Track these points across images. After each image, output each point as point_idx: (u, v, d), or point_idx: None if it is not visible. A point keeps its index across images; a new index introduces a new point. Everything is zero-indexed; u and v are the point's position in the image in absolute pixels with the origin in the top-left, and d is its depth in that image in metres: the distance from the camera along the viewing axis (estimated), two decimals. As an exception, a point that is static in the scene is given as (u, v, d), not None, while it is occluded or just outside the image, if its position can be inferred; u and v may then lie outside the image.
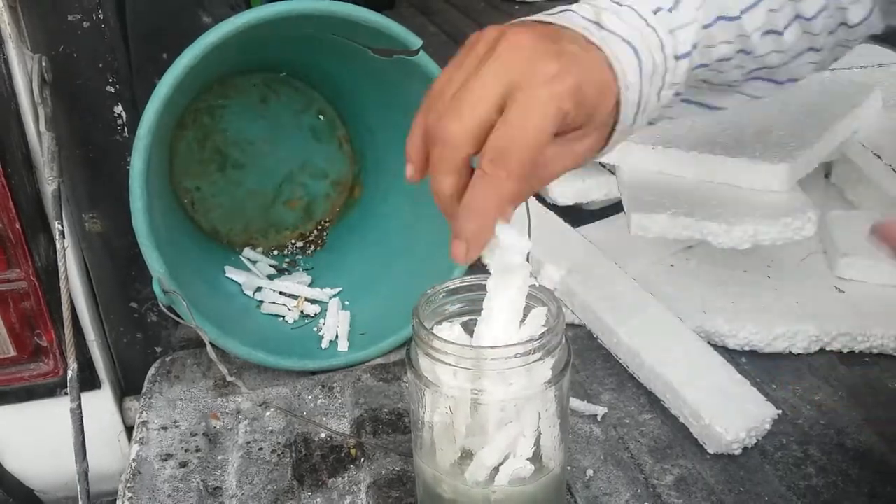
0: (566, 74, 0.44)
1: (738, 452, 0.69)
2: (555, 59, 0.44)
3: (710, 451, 0.69)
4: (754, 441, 0.70)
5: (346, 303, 0.92)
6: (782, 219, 0.78)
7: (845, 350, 0.81)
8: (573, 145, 0.48)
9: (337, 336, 0.86)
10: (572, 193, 1.02)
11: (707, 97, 0.62)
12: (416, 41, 0.77)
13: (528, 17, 0.50)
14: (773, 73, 0.61)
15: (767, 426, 0.71)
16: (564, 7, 0.50)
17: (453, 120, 0.45)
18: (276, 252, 1.00)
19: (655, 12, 0.51)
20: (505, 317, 0.52)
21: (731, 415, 0.69)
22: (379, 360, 0.84)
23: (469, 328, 0.54)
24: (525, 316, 0.53)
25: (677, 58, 0.52)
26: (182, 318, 0.74)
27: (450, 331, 0.54)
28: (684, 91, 0.58)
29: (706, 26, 0.54)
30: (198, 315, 0.75)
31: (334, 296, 0.92)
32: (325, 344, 0.85)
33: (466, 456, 0.53)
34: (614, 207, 1.01)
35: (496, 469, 0.53)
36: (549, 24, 0.48)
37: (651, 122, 0.56)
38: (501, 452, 0.53)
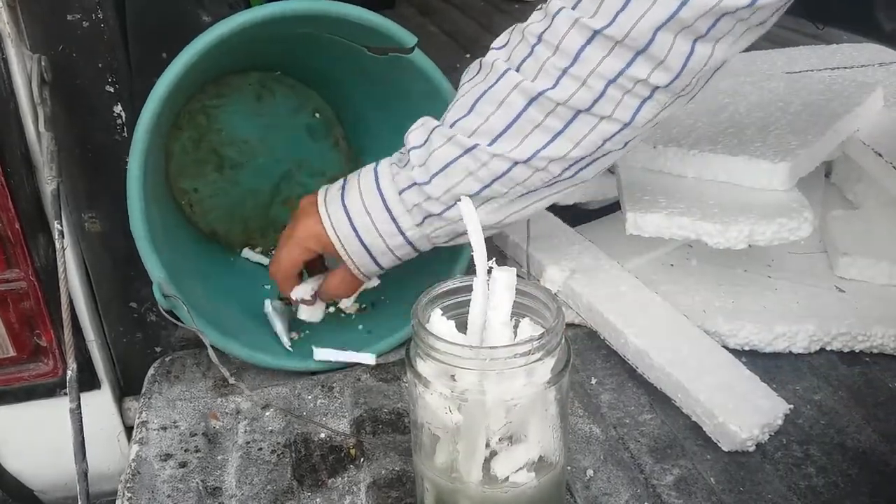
0: (307, 229, 0.75)
1: (751, 449, 0.69)
2: (303, 220, 0.75)
3: (725, 448, 0.69)
4: (767, 437, 0.70)
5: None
6: (778, 219, 0.78)
7: (845, 349, 0.81)
8: (329, 279, 0.79)
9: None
10: (573, 193, 1.02)
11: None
12: (411, 39, 0.77)
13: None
14: (589, 159, 0.68)
15: (780, 422, 0.71)
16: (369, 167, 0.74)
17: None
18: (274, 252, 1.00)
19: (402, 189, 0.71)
20: (494, 315, 0.53)
21: (744, 412, 0.69)
22: (378, 360, 0.84)
23: (461, 321, 0.55)
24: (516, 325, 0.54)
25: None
26: (182, 322, 0.74)
27: (440, 322, 0.54)
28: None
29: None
30: (198, 318, 0.75)
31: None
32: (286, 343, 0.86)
33: (466, 456, 0.53)
34: (613, 207, 1.01)
35: (496, 469, 0.53)
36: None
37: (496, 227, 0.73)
38: (510, 459, 0.53)
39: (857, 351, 0.80)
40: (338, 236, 0.73)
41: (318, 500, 0.67)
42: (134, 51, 0.78)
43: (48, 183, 0.73)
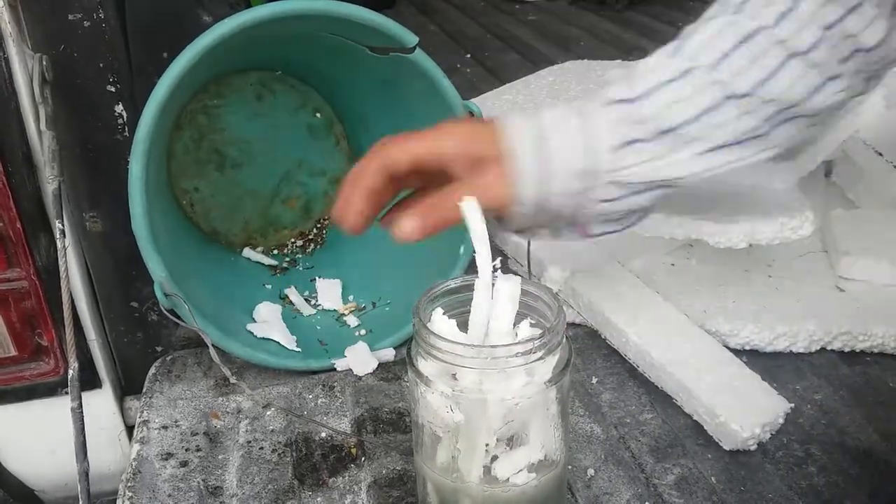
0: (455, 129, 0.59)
1: (753, 448, 0.69)
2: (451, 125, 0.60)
3: (726, 447, 0.69)
4: (769, 436, 0.70)
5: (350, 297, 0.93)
6: (779, 218, 0.78)
7: (846, 349, 0.81)
8: (473, 179, 0.57)
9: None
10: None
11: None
12: (412, 38, 0.78)
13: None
14: (798, 111, 0.60)
15: (781, 421, 0.71)
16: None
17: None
18: (275, 251, 1.00)
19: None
20: (495, 325, 0.53)
21: (746, 411, 0.69)
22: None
23: (462, 320, 0.55)
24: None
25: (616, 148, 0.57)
26: (184, 321, 0.74)
27: (441, 321, 0.54)
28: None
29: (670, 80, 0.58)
30: (199, 317, 0.75)
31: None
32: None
33: (467, 455, 0.53)
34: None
35: (497, 469, 0.53)
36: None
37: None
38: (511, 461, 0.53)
39: (857, 350, 0.81)
40: (520, 136, 0.57)
41: (319, 499, 0.67)
42: (135, 50, 0.78)
43: (49, 182, 0.73)
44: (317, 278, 0.95)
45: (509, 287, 0.53)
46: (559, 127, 0.57)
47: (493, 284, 0.53)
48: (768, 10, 0.59)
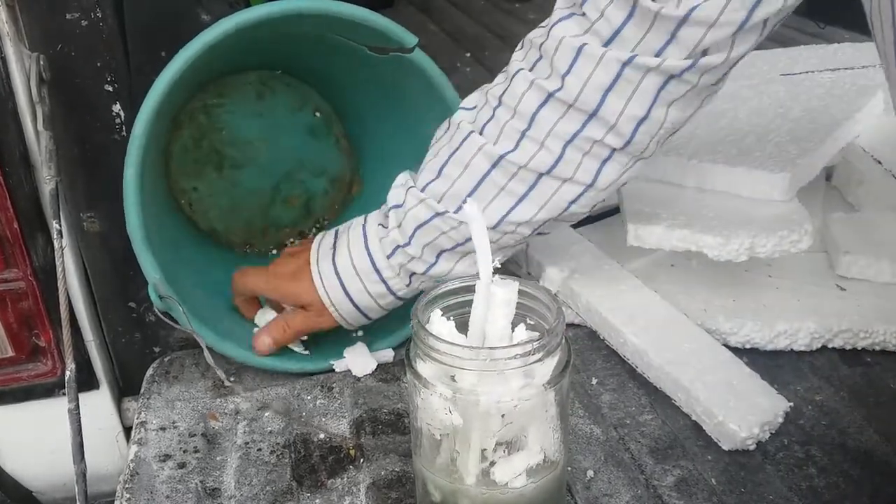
0: (286, 284, 0.78)
1: (752, 448, 0.69)
2: (284, 270, 0.79)
3: (725, 447, 0.69)
4: (768, 436, 0.70)
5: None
6: (779, 231, 0.78)
7: (847, 347, 0.80)
8: (290, 316, 0.80)
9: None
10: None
11: None
12: (411, 39, 0.77)
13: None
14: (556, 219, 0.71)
15: (780, 420, 0.71)
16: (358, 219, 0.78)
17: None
18: (275, 251, 1.00)
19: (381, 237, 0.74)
20: (491, 329, 0.53)
21: (744, 411, 0.69)
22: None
23: (462, 321, 0.54)
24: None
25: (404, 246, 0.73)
26: (178, 323, 0.74)
27: (440, 322, 0.53)
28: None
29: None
30: (195, 319, 0.74)
31: None
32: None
33: (465, 457, 0.53)
34: (613, 212, 1.01)
35: (496, 471, 0.53)
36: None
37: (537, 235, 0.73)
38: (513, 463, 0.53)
39: (858, 348, 0.80)
40: (330, 299, 0.75)
41: (317, 500, 0.67)
42: (133, 50, 0.78)
43: (47, 182, 0.73)
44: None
45: (505, 291, 0.53)
46: (357, 280, 0.74)
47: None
48: (508, 128, 0.65)
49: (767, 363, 0.78)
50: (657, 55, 0.61)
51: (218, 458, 0.72)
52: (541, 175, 0.65)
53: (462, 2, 2.18)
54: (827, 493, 0.65)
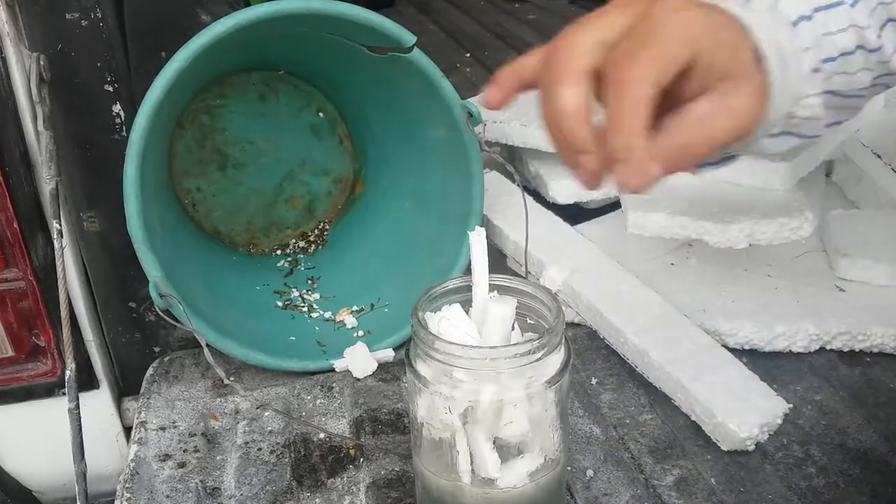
0: (698, 12, 0.44)
1: (751, 448, 0.69)
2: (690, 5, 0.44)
3: (724, 448, 0.69)
4: (766, 436, 0.70)
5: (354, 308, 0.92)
6: (779, 219, 0.78)
7: (846, 349, 0.80)
8: (727, 100, 0.45)
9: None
10: (571, 192, 1.02)
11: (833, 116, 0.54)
12: (409, 38, 0.77)
13: None
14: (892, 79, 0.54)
15: (779, 421, 0.71)
16: None
17: (574, 33, 0.44)
18: (278, 251, 1.00)
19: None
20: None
21: (743, 411, 0.69)
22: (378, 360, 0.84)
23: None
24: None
25: (804, 50, 0.50)
26: (179, 322, 0.74)
27: (449, 310, 0.54)
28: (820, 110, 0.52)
29: (819, 9, 0.50)
30: (195, 317, 0.74)
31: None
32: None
33: (466, 456, 0.53)
34: (613, 206, 1.01)
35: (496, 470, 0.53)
36: None
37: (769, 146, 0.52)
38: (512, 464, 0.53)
39: (857, 350, 0.80)
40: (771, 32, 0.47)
41: (317, 500, 0.67)
42: (133, 50, 0.78)
43: (47, 182, 0.73)
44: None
45: (501, 308, 0.53)
46: (785, 37, 0.49)
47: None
48: None
49: (767, 364, 0.78)
50: None
51: (218, 458, 0.72)
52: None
53: (462, 2, 2.18)
54: (826, 493, 0.65)
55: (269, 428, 0.75)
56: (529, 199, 0.95)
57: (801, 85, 0.50)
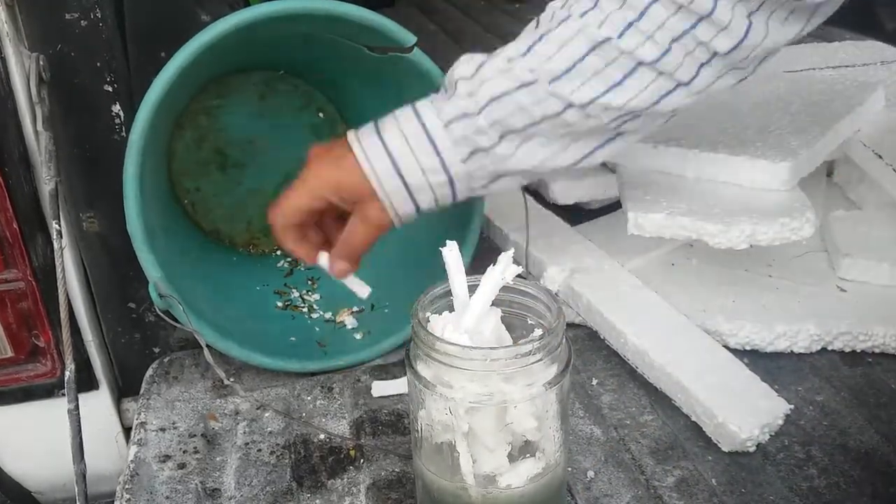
0: (323, 173, 0.69)
1: (752, 449, 0.68)
2: (318, 164, 0.70)
3: (725, 449, 0.69)
4: (767, 437, 0.70)
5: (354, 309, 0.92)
6: (780, 219, 0.78)
7: (847, 349, 0.80)
8: (363, 213, 0.69)
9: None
10: (573, 193, 1.02)
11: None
12: (410, 38, 0.77)
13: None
14: (646, 113, 0.67)
15: (780, 422, 0.70)
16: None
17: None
18: (278, 252, 1.00)
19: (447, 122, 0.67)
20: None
21: (744, 412, 0.69)
22: (379, 361, 0.84)
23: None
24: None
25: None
26: (179, 322, 0.74)
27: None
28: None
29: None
30: (195, 318, 0.74)
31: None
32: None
33: (466, 457, 0.53)
34: (613, 206, 1.01)
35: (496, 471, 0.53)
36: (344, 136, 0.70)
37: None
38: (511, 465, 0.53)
39: (858, 351, 0.80)
40: (375, 173, 0.67)
41: (317, 501, 0.66)
42: (132, 50, 0.78)
43: (46, 182, 0.73)
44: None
45: (487, 321, 0.54)
46: (407, 150, 0.67)
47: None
48: (615, 17, 0.63)
49: (768, 364, 0.78)
50: None
51: (218, 459, 0.72)
52: (640, 64, 0.64)
53: (462, 2, 2.17)
54: (828, 494, 0.65)
55: (269, 429, 0.75)
56: (530, 199, 0.95)
57: (472, 175, 0.69)
